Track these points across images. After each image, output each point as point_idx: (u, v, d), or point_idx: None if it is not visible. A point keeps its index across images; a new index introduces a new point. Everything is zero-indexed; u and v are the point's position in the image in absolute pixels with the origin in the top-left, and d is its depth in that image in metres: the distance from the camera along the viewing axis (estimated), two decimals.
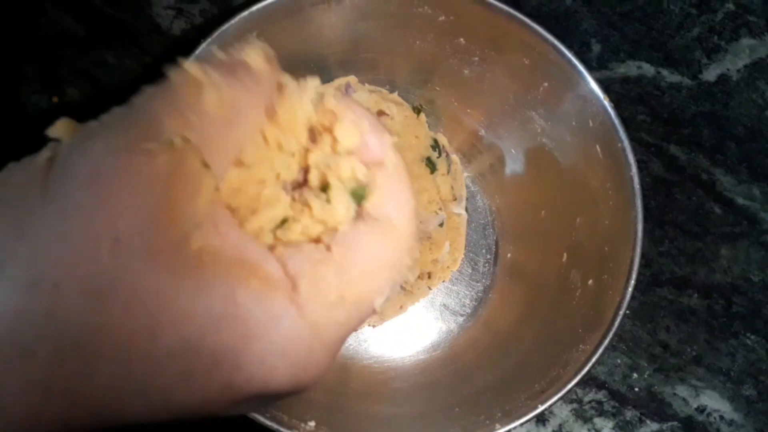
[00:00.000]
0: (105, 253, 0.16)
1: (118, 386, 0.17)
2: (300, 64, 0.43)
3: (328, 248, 0.20)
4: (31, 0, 0.49)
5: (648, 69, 0.53)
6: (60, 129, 0.19)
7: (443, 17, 0.41)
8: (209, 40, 0.37)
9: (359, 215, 0.21)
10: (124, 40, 0.50)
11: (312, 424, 0.34)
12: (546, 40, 0.40)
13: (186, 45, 0.50)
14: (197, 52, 0.37)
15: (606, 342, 0.35)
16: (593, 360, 0.35)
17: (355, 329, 0.22)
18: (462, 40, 0.42)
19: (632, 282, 0.37)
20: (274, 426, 0.32)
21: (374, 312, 0.21)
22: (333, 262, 0.20)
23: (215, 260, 0.18)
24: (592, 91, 0.40)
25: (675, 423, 0.45)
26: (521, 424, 0.34)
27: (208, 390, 0.18)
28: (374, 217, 0.21)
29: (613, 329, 0.36)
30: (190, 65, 0.20)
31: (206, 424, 0.42)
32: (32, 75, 0.48)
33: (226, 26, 0.37)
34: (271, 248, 0.20)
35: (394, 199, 0.22)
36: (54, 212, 0.17)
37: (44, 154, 0.18)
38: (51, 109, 0.48)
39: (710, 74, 0.53)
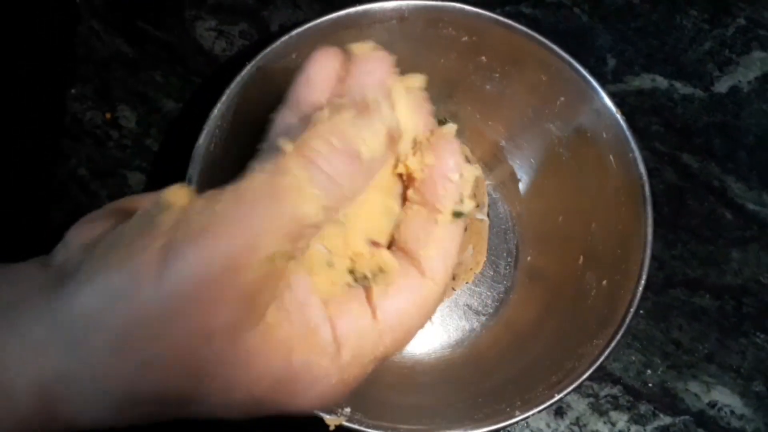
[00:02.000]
0: (204, 346, 0.20)
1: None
2: None
3: (374, 314, 0.23)
4: (86, 25, 0.54)
5: (661, 82, 0.56)
6: (174, 195, 0.21)
7: (466, 38, 0.45)
8: (253, 62, 0.41)
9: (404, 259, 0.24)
10: (170, 61, 0.54)
11: (348, 410, 0.37)
12: (562, 58, 0.43)
13: (227, 65, 0.54)
14: (243, 73, 0.40)
15: (618, 337, 0.38)
16: (606, 353, 0.38)
17: None
18: (484, 58, 0.46)
19: (643, 282, 0.39)
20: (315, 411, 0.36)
21: None
22: (376, 331, 0.23)
23: (281, 323, 0.21)
24: (605, 105, 0.43)
25: (687, 417, 0.48)
26: (538, 412, 0.37)
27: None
28: (420, 269, 0.23)
29: (625, 325, 0.38)
30: (295, 165, 0.20)
31: None
32: (88, 94, 0.53)
33: (268, 50, 0.41)
34: (325, 302, 0.22)
35: (443, 254, 0.24)
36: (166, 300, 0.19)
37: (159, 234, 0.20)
38: (104, 124, 0.52)
39: (722, 86, 0.56)
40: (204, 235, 0.19)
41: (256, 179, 0.20)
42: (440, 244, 0.24)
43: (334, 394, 0.22)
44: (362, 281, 0.24)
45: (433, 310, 0.24)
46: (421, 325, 0.24)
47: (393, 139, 0.23)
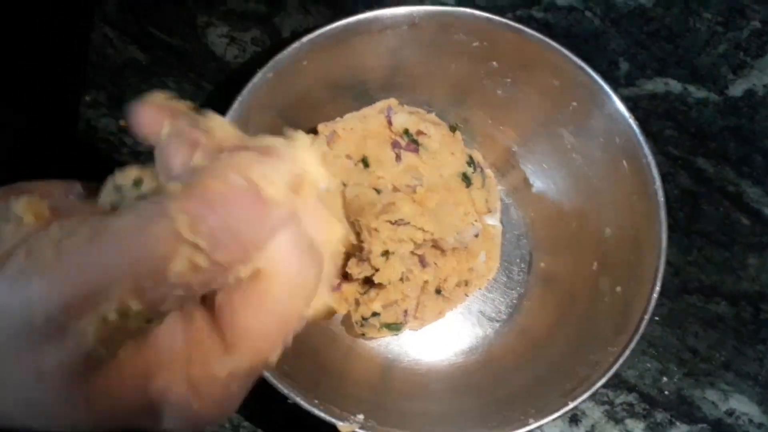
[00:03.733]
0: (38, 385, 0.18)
1: None
2: (344, 88, 0.46)
3: (213, 323, 0.20)
4: (100, 33, 0.54)
5: (675, 85, 0.55)
6: (28, 208, 0.19)
7: (477, 43, 0.44)
8: (265, 68, 0.41)
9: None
10: (182, 67, 0.54)
11: (360, 416, 0.37)
12: (574, 63, 0.43)
13: (240, 71, 0.54)
14: (254, 80, 0.41)
15: (633, 344, 0.38)
16: (621, 361, 0.37)
17: (255, 381, 0.21)
18: (495, 63, 0.45)
19: (657, 288, 0.39)
20: (328, 417, 0.36)
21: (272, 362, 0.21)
22: (217, 345, 0.20)
23: (132, 355, 0.18)
24: (618, 110, 0.43)
25: (705, 425, 0.47)
26: (553, 420, 0.37)
27: None
28: (264, 271, 0.20)
29: (640, 332, 0.38)
30: (178, 208, 0.17)
31: (262, 410, 0.46)
32: (102, 100, 0.53)
33: (279, 56, 0.41)
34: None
35: (293, 244, 0.20)
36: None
37: None
38: (119, 132, 0.53)
39: (736, 89, 0.55)
40: (39, 272, 0.17)
41: (123, 219, 0.18)
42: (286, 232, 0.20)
43: (196, 414, 0.20)
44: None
45: (292, 312, 0.21)
46: (277, 331, 0.21)
47: (300, 185, 0.20)
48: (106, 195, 0.22)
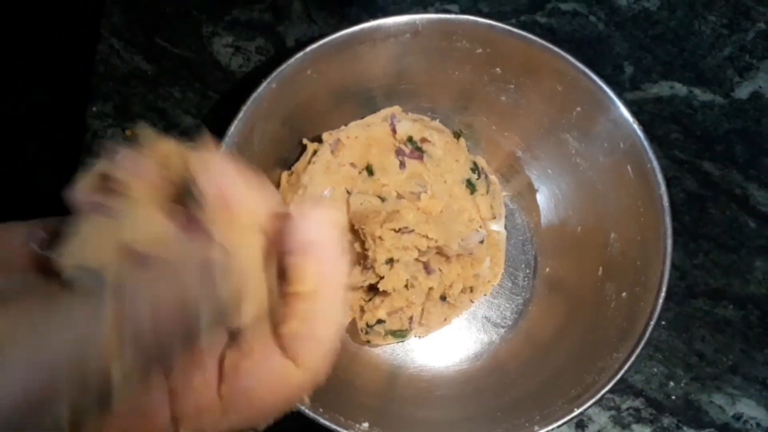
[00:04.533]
0: None
1: None
2: (348, 96, 0.46)
3: (219, 389, 0.20)
4: (106, 44, 0.55)
5: (680, 89, 0.55)
6: None
7: (480, 49, 0.44)
8: (270, 78, 0.41)
9: (268, 335, 0.20)
10: (188, 77, 0.55)
11: (366, 425, 0.37)
12: (578, 68, 0.43)
13: (245, 80, 0.55)
14: (259, 90, 0.41)
15: (639, 350, 0.38)
16: (626, 366, 0.37)
17: None
18: (498, 69, 0.46)
19: (663, 293, 0.39)
20: (333, 426, 0.36)
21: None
22: (219, 408, 0.20)
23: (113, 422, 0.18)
24: (622, 115, 0.43)
25: (712, 430, 0.47)
26: (558, 427, 0.37)
27: None
28: (285, 347, 0.20)
29: (645, 338, 0.38)
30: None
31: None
32: (107, 111, 0.53)
33: (284, 65, 0.41)
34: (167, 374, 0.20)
35: (310, 333, 0.20)
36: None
37: None
38: (124, 141, 0.53)
39: (742, 92, 0.55)
40: None
41: (60, 321, 0.17)
42: (304, 323, 0.20)
43: None
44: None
45: (297, 397, 0.21)
46: (279, 411, 0.21)
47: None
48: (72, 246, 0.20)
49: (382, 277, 0.42)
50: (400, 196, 0.45)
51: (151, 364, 0.18)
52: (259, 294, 0.21)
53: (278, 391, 0.21)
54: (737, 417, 0.47)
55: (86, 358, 0.17)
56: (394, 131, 0.47)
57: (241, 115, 0.41)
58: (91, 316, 0.17)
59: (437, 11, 0.44)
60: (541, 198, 0.50)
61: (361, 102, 0.47)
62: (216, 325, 0.19)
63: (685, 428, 0.47)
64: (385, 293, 0.43)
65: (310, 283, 0.20)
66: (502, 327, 0.48)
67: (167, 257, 0.19)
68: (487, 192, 0.48)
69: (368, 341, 0.45)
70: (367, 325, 0.44)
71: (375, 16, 0.43)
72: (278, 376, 0.20)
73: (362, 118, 0.48)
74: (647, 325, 0.38)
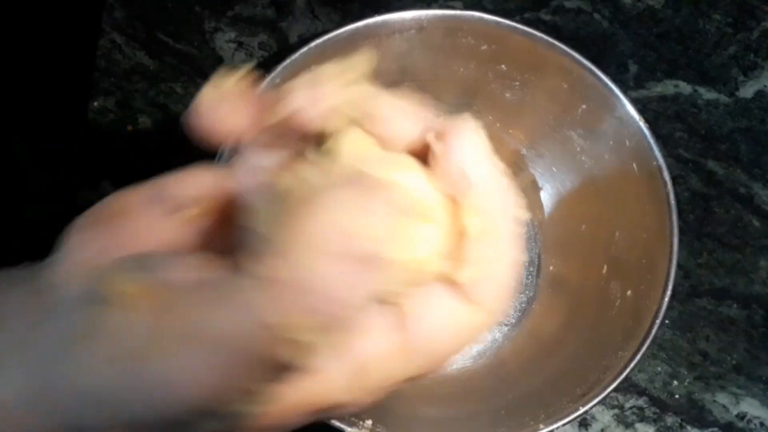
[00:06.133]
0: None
1: None
2: None
3: (403, 338, 0.20)
4: (108, 39, 0.54)
5: (685, 87, 0.55)
6: (129, 294, 0.18)
7: (485, 46, 0.44)
8: (273, 74, 0.41)
9: (446, 278, 0.20)
10: (190, 73, 0.54)
11: (369, 422, 0.37)
12: (583, 65, 0.43)
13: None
14: (263, 85, 0.41)
15: (644, 348, 0.38)
16: (632, 365, 0.37)
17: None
18: (503, 66, 0.45)
19: (669, 292, 0.39)
20: (336, 423, 0.36)
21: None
22: (403, 355, 0.20)
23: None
24: (628, 113, 0.42)
25: (715, 429, 0.47)
26: (563, 425, 0.37)
27: None
28: (462, 291, 0.20)
29: (651, 336, 0.38)
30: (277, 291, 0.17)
31: None
32: (109, 106, 0.53)
33: (287, 61, 0.41)
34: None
35: (486, 275, 0.20)
36: None
37: None
38: (127, 137, 0.53)
39: (747, 91, 0.55)
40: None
41: (215, 317, 0.17)
42: (482, 265, 0.20)
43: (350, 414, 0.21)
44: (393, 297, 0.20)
45: (473, 339, 0.21)
46: (456, 352, 0.21)
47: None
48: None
49: None
50: None
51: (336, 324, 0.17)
52: (442, 229, 0.20)
53: (459, 335, 0.21)
54: (741, 416, 0.47)
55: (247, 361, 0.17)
56: None
57: None
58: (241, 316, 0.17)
59: (441, 8, 0.44)
60: (545, 196, 0.49)
61: None
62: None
63: (688, 427, 0.47)
64: None
65: (481, 223, 0.20)
66: (506, 325, 0.47)
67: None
68: None
69: None
70: None
71: (379, 12, 0.43)
72: (459, 320, 0.20)
73: None
74: (653, 323, 0.38)
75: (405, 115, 0.21)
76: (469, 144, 0.20)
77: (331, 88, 0.21)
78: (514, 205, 0.21)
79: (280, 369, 0.18)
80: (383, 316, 0.21)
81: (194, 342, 0.16)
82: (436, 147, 0.20)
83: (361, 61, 0.22)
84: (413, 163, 0.21)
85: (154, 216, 0.21)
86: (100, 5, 0.55)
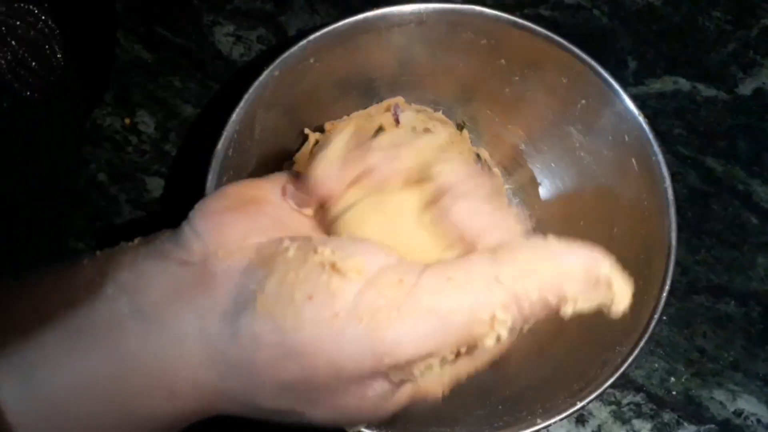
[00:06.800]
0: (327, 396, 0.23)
1: None
2: (351, 87, 0.46)
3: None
4: (108, 31, 0.54)
5: (684, 84, 0.55)
6: (355, 265, 0.22)
7: (485, 41, 0.44)
8: (271, 67, 0.41)
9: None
10: (188, 66, 0.54)
11: None
12: (583, 61, 0.43)
13: (245, 69, 0.54)
14: (261, 78, 0.40)
15: (642, 344, 0.38)
16: (629, 361, 0.37)
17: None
18: (503, 61, 0.45)
19: (666, 288, 0.39)
20: None
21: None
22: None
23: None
24: (627, 108, 0.42)
25: (713, 426, 0.47)
26: (560, 420, 0.37)
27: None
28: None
29: (648, 332, 0.38)
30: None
31: None
32: (107, 100, 0.53)
33: (286, 54, 0.41)
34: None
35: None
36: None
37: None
38: (123, 130, 0.52)
39: (746, 88, 0.55)
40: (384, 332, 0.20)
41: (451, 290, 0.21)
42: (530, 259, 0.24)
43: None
44: None
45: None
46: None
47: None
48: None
49: None
50: None
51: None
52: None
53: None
54: (738, 413, 0.47)
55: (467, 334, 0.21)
56: (397, 122, 0.46)
57: (242, 104, 0.40)
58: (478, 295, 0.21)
59: (440, 2, 0.44)
60: (543, 191, 0.49)
61: (364, 92, 0.47)
62: None
63: (685, 424, 0.47)
64: None
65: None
66: None
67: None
68: None
69: None
70: None
71: (379, 6, 0.43)
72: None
73: (365, 108, 0.47)
74: (651, 319, 0.38)
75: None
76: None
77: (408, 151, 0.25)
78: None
79: (472, 348, 0.21)
80: None
81: (426, 314, 0.20)
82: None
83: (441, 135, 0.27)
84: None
85: (286, 209, 0.25)
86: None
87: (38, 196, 0.48)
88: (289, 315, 0.20)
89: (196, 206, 0.24)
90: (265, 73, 0.41)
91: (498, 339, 0.21)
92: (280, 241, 0.22)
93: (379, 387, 0.22)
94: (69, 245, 0.49)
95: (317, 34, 0.41)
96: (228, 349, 0.21)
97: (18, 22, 0.35)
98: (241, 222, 0.24)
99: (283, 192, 0.25)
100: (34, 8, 0.35)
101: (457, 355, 0.21)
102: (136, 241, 0.24)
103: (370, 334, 0.20)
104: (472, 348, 0.21)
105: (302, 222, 0.25)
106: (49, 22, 0.36)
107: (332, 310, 0.20)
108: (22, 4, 0.35)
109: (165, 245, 0.23)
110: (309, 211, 0.25)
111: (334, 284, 0.21)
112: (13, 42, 0.35)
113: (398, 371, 0.21)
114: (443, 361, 0.21)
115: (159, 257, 0.23)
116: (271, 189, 0.25)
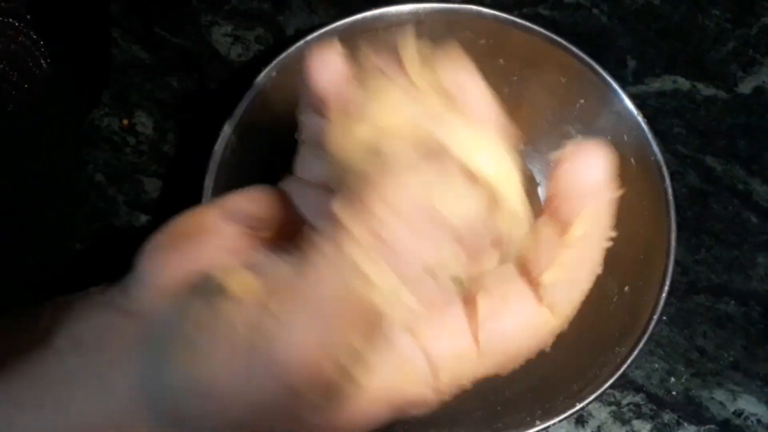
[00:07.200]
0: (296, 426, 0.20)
1: None
2: None
3: (475, 336, 0.20)
4: (104, 33, 0.54)
5: (683, 83, 0.55)
6: (238, 286, 0.19)
7: (484, 41, 0.44)
8: (269, 67, 0.41)
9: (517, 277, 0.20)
10: (186, 66, 0.54)
11: None
12: (582, 60, 0.43)
13: (244, 70, 0.54)
14: (259, 79, 0.40)
15: (641, 345, 0.37)
16: (629, 361, 0.37)
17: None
18: (501, 61, 0.45)
19: (666, 288, 0.39)
20: None
21: None
22: (476, 353, 0.21)
23: (371, 378, 0.20)
24: (626, 108, 0.42)
25: (712, 426, 0.47)
26: (559, 421, 0.36)
27: None
28: (538, 294, 0.20)
29: (648, 332, 0.38)
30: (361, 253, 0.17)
31: None
32: (105, 100, 0.53)
33: (284, 54, 0.41)
34: (413, 330, 0.20)
35: (568, 283, 0.21)
36: None
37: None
38: (121, 131, 0.52)
39: (746, 87, 0.55)
40: (279, 341, 0.18)
41: (321, 272, 0.18)
42: (567, 270, 0.21)
43: (429, 410, 0.22)
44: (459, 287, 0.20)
45: (546, 342, 0.22)
46: (530, 354, 0.22)
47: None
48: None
49: None
50: None
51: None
52: (526, 223, 0.20)
53: (531, 337, 0.21)
54: (738, 413, 0.47)
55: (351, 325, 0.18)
56: None
57: (240, 104, 0.40)
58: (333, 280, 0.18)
59: (439, 1, 0.44)
60: (543, 192, 0.49)
61: None
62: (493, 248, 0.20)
63: (685, 424, 0.47)
64: None
65: (584, 229, 0.20)
66: None
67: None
68: None
69: None
70: None
71: (377, 5, 0.43)
72: (533, 321, 0.21)
73: None
74: (650, 319, 0.38)
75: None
76: (598, 168, 0.21)
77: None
78: (610, 221, 0.21)
79: (372, 330, 0.18)
80: (461, 309, 0.21)
81: (301, 312, 0.18)
82: (565, 165, 0.21)
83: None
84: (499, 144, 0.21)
85: (230, 235, 0.22)
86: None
87: (37, 197, 0.48)
88: (198, 362, 0.19)
89: (144, 244, 0.23)
90: (263, 73, 0.41)
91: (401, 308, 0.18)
92: (206, 277, 0.20)
93: (313, 400, 0.19)
94: (68, 246, 0.49)
95: (315, 34, 0.41)
96: (160, 403, 0.20)
97: None
98: (176, 258, 0.22)
99: (232, 217, 0.23)
100: (15, 21, 0.35)
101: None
102: (100, 286, 0.23)
103: (261, 356, 0.18)
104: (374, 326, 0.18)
105: (254, 245, 0.23)
106: (32, 35, 0.36)
107: (231, 344, 0.18)
108: (1, 18, 0.34)
109: (114, 294, 0.22)
110: (266, 233, 0.23)
111: (231, 315, 0.18)
112: None
113: (310, 378, 0.18)
114: (370, 349, 0.19)
115: (109, 308, 0.22)
116: (215, 215, 0.23)
